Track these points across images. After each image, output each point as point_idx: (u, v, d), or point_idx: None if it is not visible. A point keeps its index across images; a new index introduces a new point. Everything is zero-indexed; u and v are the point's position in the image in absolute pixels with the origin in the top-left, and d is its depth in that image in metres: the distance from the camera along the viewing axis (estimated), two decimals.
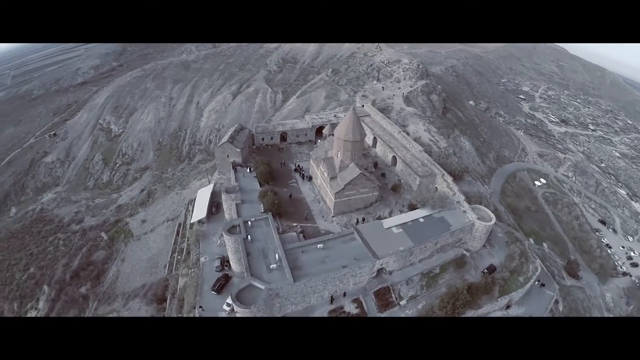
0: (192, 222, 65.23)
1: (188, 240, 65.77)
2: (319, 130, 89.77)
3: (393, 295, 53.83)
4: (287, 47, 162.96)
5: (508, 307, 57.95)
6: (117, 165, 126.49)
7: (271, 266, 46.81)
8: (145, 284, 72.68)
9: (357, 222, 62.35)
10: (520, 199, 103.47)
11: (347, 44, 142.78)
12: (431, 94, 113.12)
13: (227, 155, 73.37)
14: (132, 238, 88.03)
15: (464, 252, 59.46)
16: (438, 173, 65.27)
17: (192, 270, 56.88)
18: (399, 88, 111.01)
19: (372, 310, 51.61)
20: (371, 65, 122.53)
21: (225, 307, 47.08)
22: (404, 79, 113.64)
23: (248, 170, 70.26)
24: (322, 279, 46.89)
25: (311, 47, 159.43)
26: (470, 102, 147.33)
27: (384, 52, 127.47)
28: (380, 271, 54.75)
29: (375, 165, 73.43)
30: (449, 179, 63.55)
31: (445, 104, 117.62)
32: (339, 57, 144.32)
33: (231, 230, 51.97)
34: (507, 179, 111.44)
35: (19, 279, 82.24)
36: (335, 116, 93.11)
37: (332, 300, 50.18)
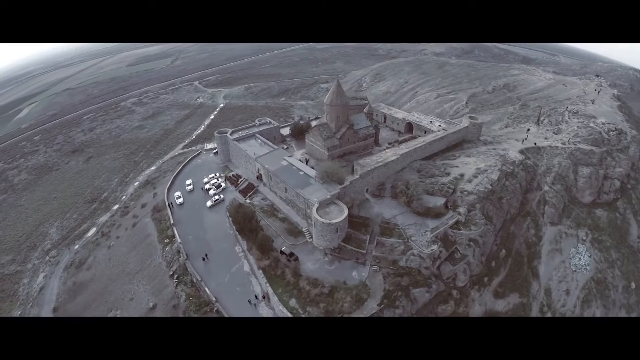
0: None
1: None
2: (409, 127, 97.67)
3: (250, 192, 74.95)
4: (522, 77, 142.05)
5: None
6: None
7: None
8: None
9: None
10: None
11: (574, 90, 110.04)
12: (585, 166, 76.56)
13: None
14: None
15: (305, 229, 62.83)
16: None
17: None
18: (546, 139, 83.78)
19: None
20: (553, 109, 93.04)
21: None
22: (567, 132, 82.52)
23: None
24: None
25: (540, 83, 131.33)
26: None
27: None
28: (260, 177, 76.06)
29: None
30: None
31: (619, 194, 74.80)
32: (555, 99, 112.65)
33: None
34: None
35: None
36: (430, 122, 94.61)
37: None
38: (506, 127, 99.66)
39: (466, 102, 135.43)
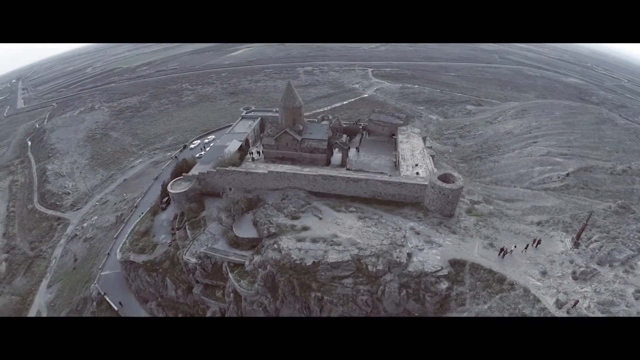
0: None
1: None
2: None
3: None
4: None
5: None
6: None
7: None
8: None
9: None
10: None
11: None
12: None
13: None
14: None
15: None
16: None
17: None
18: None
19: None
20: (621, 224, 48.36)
21: None
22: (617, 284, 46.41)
23: None
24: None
25: None
26: None
27: None
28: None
29: None
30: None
31: None
32: None
33: None
34: None
35: None
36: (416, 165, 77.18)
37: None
38: (539, 223, 65.02)
39: (567, 174, 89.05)
